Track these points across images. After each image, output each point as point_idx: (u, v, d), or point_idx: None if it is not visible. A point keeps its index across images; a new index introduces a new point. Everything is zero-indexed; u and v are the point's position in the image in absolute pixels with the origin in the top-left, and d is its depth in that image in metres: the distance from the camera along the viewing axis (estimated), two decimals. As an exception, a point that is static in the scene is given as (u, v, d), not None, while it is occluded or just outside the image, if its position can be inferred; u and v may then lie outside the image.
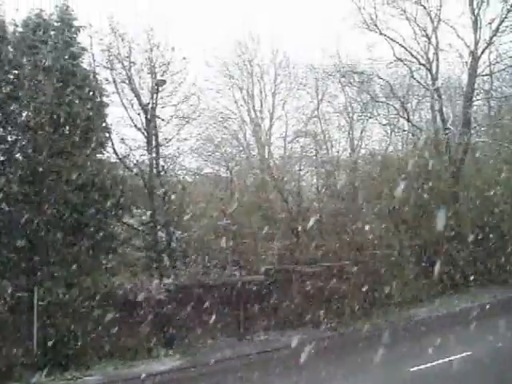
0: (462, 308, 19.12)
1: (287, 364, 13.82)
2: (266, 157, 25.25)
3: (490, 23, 23.68)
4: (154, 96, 18.63)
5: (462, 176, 23.28)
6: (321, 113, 26.79)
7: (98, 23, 17.72)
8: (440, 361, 12.46)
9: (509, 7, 23.18)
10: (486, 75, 25.26)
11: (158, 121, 19.07)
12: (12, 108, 15.44)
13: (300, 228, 19.36)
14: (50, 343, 13.83)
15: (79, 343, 14.15)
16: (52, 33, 16.29)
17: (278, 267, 18.08)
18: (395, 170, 22.54)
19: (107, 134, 17.74)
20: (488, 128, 27.72)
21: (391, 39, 24.27)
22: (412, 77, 25.62)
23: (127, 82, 18.46)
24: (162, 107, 19.05)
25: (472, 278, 20.63)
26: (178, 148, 19.84)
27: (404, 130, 28.92)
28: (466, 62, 24.50)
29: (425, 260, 20.50)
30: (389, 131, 28.73)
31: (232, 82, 27.84)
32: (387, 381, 11.58)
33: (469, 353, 12.75)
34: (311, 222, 18.50)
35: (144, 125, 18.70)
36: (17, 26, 16.00)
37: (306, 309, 17.43)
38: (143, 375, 13.53)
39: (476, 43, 23.83)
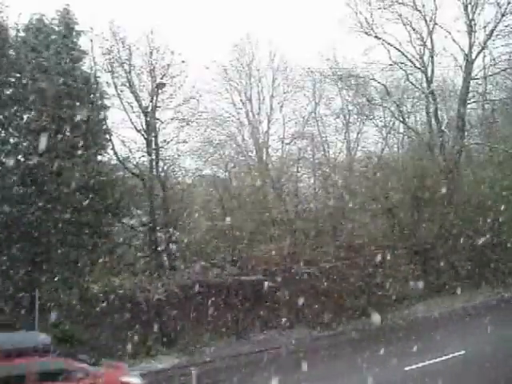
0: (456, 307, 19.37)
1: (285, 363, 14.04)
2: (264, 158, 25.45)
3: (484, 27, 24.07)
4: (154, 99, 18.82)
5: (457, 177, 23.56)
6: (318, 115, 27.05)
7: (98, 27, 17.82)
8: (435, 360, 12.73)
9: (502, 12, 23.55)
10: (480, 78, 25.62)
11: (158, 123, 19.25)
12: (14, 110, 15.64)
13: (297, 229, 19.60)
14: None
15: (79, 342, 14.33)
16: (53, 37, 16.53)
17: (275, 267, 18.28)
18: (391, 171, 22.83)
19: (108, 136, 17.96)
20: (482, 130, 28.08)
21: (387, 43, 24.57)
22: (407, 80, 25.95)
23: (127, 84, 18.61)
24: (162, 110, 19.24)
25: (467, 277, 20.91)
26: (178, 150, 19.99)
27: (399, 133, 29.21)
28: (461, 66, 24.88)
29: (420, 260, 20.78)
30: (384, 133, 28.95)
31: (230, 85, 28.01)
32: (382, 380, 11.74)
33: (462, 352, 13.01)
34: (308, 223, 18.78)
35: (144, 127, 18.88)
36: (19, 30, 16.22)
37: (303, 308, 17.65)
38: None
39: (470, 47, 24.16)
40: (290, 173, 23.15)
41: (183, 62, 18.79)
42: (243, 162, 25.98)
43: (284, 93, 28.29)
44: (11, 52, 15.83)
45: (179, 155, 20.28)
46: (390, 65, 25.08)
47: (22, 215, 14.92)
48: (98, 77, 17.89)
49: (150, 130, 18.88)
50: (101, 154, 17.60)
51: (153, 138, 18.95)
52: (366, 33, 24.55)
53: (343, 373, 12.36)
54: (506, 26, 24.01)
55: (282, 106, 28.32)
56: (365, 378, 11.82)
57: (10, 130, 15.85)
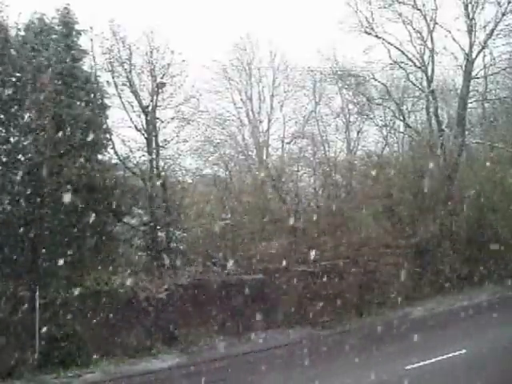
0: (457, 306, 19.38)
1: (285, 362, 14.05)
2: (264, 158, 25.50)
3: (484, 27, 24.12)
4: (154, 98, 18.83)
5: (457, 176, 23.59)
6: (318, 115, 27.14)
7: (98, 27, 17.82)
8: (435, 359, 12.72)
9: (503, 11, 23.59)
10: (481, 77, 25.64)
11: (158, 122, 19.26)
12: (14, 110, 15.64)
13: (298, 228, 19.61)
14: (51, 341, 14.01)
15: (81, 341, 14.36)
16: (54, 36, 16.52)
17: (276, 266, 18.29)
18: (391, 170, 22.85)
19: (108, 136, 17.95)
20: (482, 129, 28.12)
21: (387, 42, 24.63)
22: (408, 79, 25.99)
23: (128, 84, 18.62)
24: (162, 109, 19.24)
25: (467, 276, 20.93)
26: (178, 149, 19.99)
27: (400, 132, 29.25)
28: (461, 65, 24.90)
29: (420, 259, 20.80)
30: (385, 133, 29.01)
31: (231, 84, 28.08)
32: (383, 379, 11.75)
33: (463, 351, 13.02)
34: (309, 222, 18.79)
35: (144, 126, 18.90)
36: (19, 29, 16.21)
37: (304, 307, 17.67)
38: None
39: (471, 46, 24.21)
40: (291, 172, 23.16)
41: (183, 61, 18.83)
42: (243, 161, 26.05)
43: (284, 92, 28.42)
44: (12, 51, 15.80)
45: (179, 154, 20.29)
46: (391, 64, 25.17)
47: (23, 214, 14.93)
48: (99, 76, 17.89)
49: (150, 129, 18.90)
50: (101, 154, 17.59)
51: (153, 138, 18.96)
52: (366, 32, 24.61)
53: (342, 372, 12.36)
54: (507, 26, 24.14)
55: (282, 106, 28.45)
56: (364, 378, 11.87)
57: (11, 129, 15.83)
